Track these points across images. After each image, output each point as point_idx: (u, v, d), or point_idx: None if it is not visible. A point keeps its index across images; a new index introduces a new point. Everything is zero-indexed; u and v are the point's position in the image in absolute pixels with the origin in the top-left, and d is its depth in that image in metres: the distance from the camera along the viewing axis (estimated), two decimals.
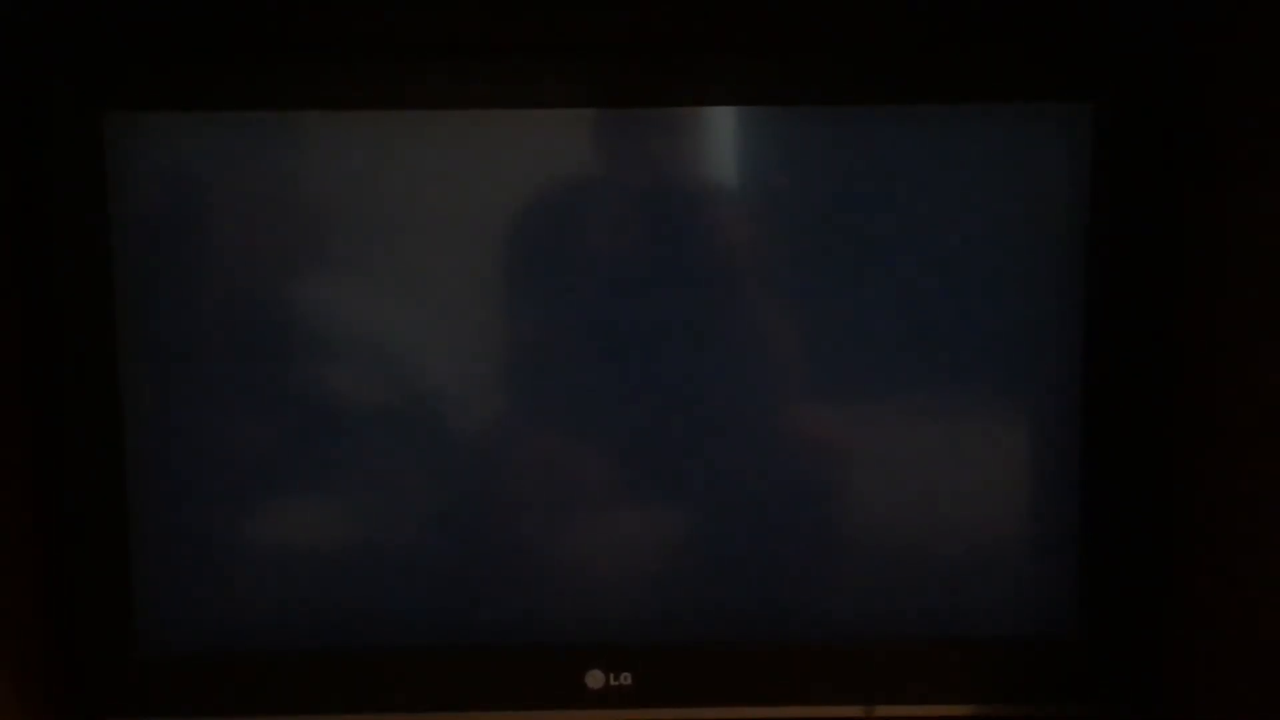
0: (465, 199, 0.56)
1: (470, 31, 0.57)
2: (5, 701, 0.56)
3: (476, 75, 0.55)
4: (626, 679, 0.58)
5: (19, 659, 0.57)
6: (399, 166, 0.56)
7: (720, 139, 0.57)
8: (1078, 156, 0.55)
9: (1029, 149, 0.56)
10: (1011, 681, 0.59)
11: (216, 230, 0.56)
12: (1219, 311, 0.53)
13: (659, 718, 0.59)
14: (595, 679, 0.58)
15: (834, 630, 0.59)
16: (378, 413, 0.58)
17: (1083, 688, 0.59)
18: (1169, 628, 0.58)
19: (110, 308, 0.56)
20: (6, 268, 0.56)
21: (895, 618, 0.59)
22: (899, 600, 0.59)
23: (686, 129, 0.56)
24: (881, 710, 0.59)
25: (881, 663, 0.59)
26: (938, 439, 0.58)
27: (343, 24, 0.56)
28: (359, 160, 0.56)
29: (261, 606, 0.58)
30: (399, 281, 0.57)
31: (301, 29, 0.57)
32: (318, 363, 0.57)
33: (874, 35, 0.57)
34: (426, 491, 0.58)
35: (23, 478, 0.58)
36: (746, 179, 0.57)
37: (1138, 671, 0.59)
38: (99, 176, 0.55)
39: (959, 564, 0.59)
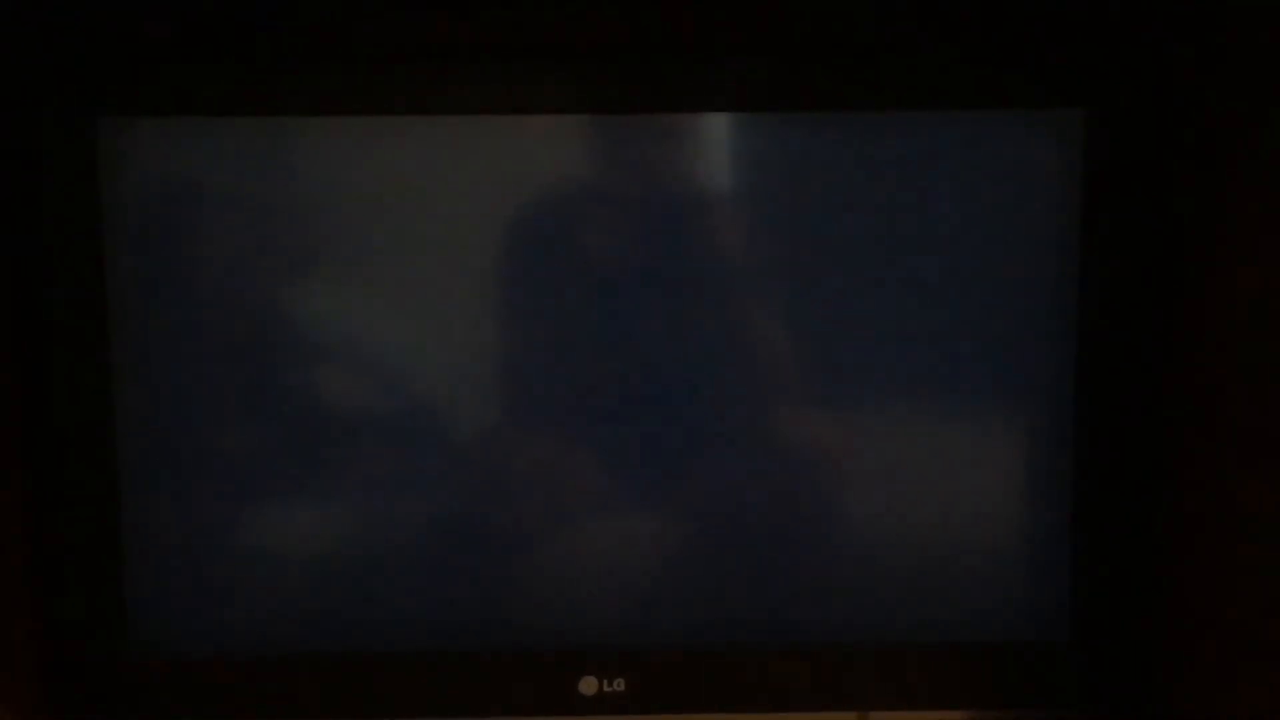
0: (461, 205, 0.56)
1: (466, 38, 0.57)
2: None
3: (472, 81, 0.55)
4: (620, 685, 0.58)
5: (11, 661, 0.57)
6: (394, 172, 0.56)
7: (715, 145, 0.57)
8: (1070, 162, 0.56)
9: (1021, 155, 0.56)
10: (1004, 686, 0.59)
11: (211, 235, 0.56)
12: (1211, 317, 0.54)
13: None
14: (589, 685, 0.58)
15: (827, 636, 0.59)
16: (372, 418, 0.58)
17: (1075, 692, 0.59)
18: (1160, 633, 0.58)
19: (104, 313, 0.56)
20: (2, 271, 0.56)
21: (888, 623, 0.59)
22: (892, 605, 0.59)
23: (682, 135, 0.56)
24: (875, 716, 0.59)
25: (874, 668, 0.59)
26: (931, 444, 0.58)
27: (338, 29, 0.57)
28: (354, 166, 0.56)
29: (254, 611, 0.58)
30: (394, 287, 0.57)
31: (296, 34, 0.57)
32: (312, 368, 0.57)
33: (867, 42, 0.57)
34: (420, 497, 0.58)
35: (16, 482, 0.57)
36: (741, 185, 0.57)
37: (1129, 676, 0.59)
38: (93, 181, 0.55)
39: (952, 569, 0.59)
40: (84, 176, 0.55)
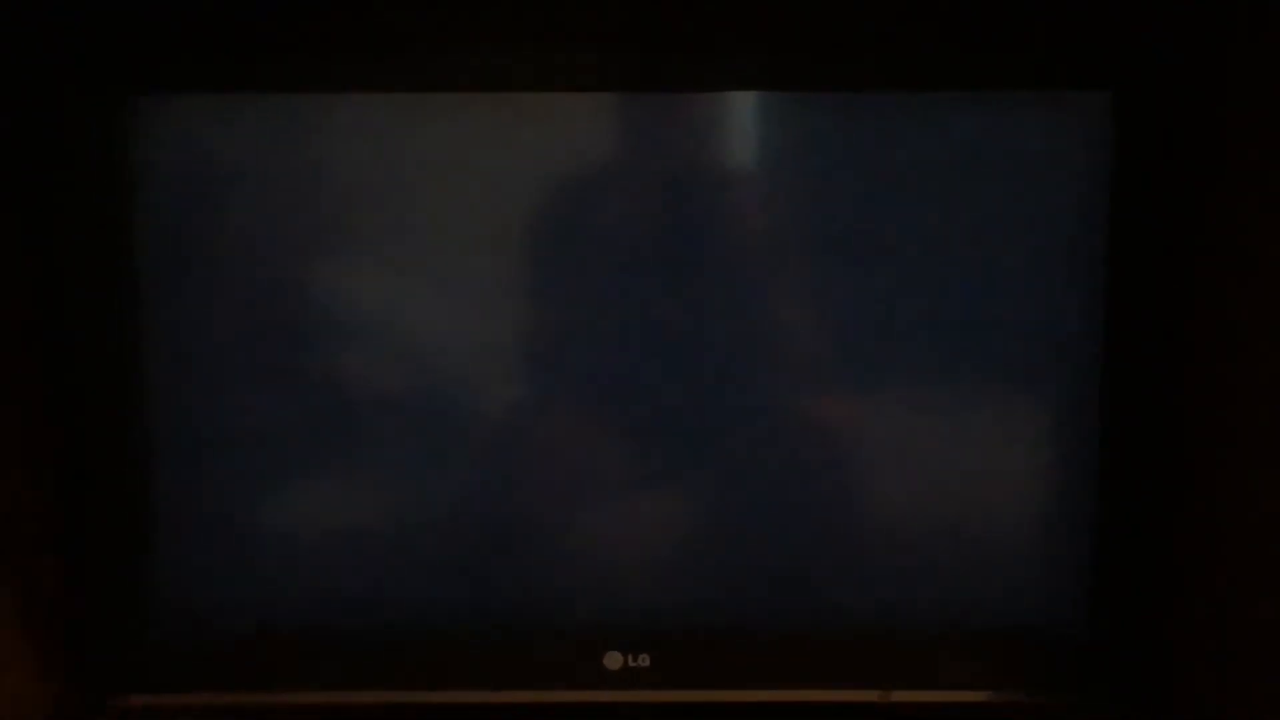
0: (488, 183, 0.56)
1: (492, 16, 0.57)
2: (26, 678, 0.57)
3: (499, 59, 0.55)
4: (644, 660, 0.59)
5: (40, 636, 0.57)
6: (422, 150, 0.56)
7: (740, 125, 0.57)
8: (1098, 145, 0.55)
9: (1049, 137, 0.56)
10: (1024, 671, 0.59)
11: (239, 214, 0.56)
12: (1238, 304, 0.53)
13: (676, 699, 0.59)
14: (614, 660, 0.59)
15: (850, 616, 0.59)
16: (398, 396, 0.58)
17: (1093, 678, 0.59)
18: (1178, 621, 0.58)
19: (133, 290, 0.56)
20: (30, 251, 0.57)
21: (909, 605, 0.59)
22: (913, 588, 0.59)
23: (707, 114, 0.56)
24: (896, 695, 0.59)
25: (896, 649, 0.59)
26: (954, 430, 0.58)
27: (366, 7, 0.57)
28: (382, 143, 0.56)
29: (283, 586, 0.59)
30: (421, 265, 0.57)
31: (325, 12, 0.57)
32: (338, 346, 0.58)
33: (894, 22, 0.57)
34: (447, 475, 0.58)
35: (45, 460, 0.58)
36: (765, 165, 0.58)
37: (1147, 663, 0.59)
38: (121, 160, 0.55)
39: (974, 554, 0.59)
40: (113, 155, 0.55)
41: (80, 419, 0.57)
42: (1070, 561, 0.59)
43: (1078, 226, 0.56)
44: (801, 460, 0.59)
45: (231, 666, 0.59)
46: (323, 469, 0.58)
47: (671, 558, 0.59)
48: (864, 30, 0.57)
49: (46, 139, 0.56)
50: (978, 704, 0.59)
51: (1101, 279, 0.56)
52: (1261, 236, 0.52)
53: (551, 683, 0.59)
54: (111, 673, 0.59)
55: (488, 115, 0.56)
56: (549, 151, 0.56)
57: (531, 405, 0.59)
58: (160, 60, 0.55)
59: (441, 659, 0.59)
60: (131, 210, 0.56)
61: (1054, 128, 0.56)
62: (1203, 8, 0.55)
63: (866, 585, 0.59)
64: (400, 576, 0.59)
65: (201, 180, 0.56)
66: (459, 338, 0.58)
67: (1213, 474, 0.55)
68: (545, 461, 0.59)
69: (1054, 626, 0.59)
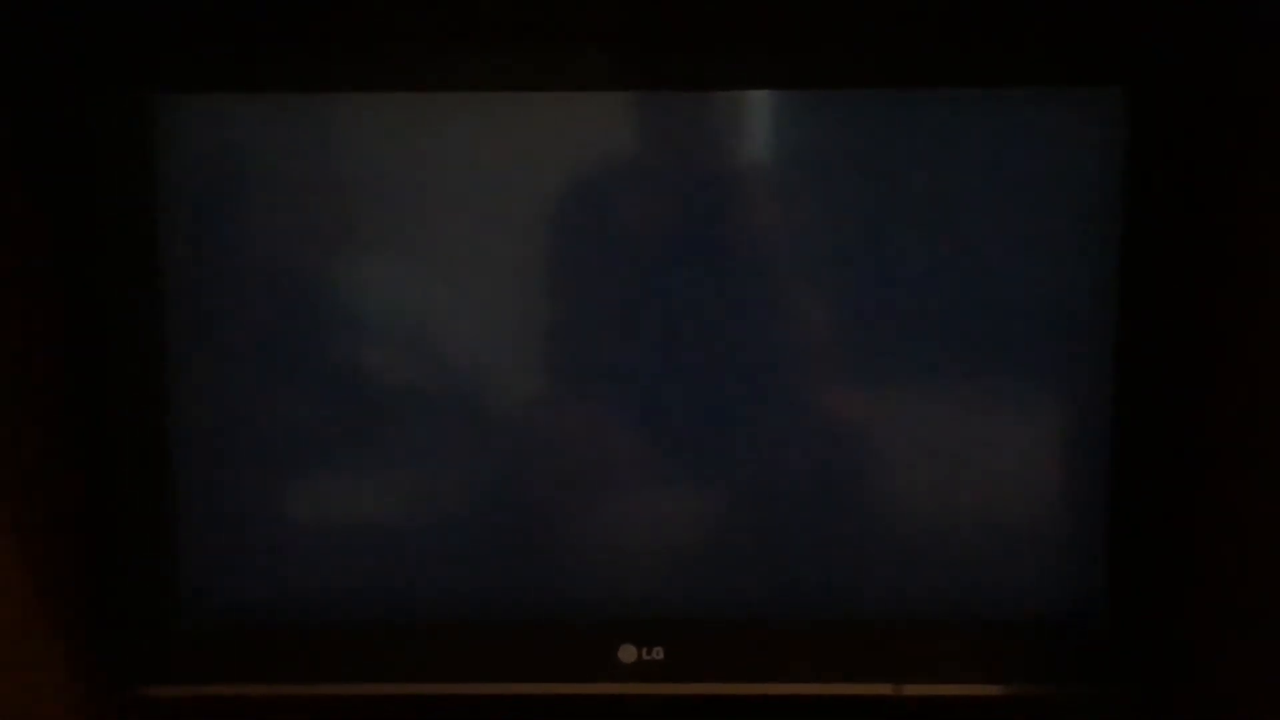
0: (506, 181, 0.57)
1: (510, 15, 0.57)
2: (51, 669, 0.58)
3: (516, 58, 0.55)
4: (658, 654, 0.59)
5: (65, 628, 0.58)
6: (443, 149, 0.56)
7: (753, 122, 0.57)
8: (1111, 141, 0.55)
9: (1062, 133, 0.56)
10: (1040, 662, 0.59)
11: (263, 211, 0.57)
12: (1251, 298, 0.53)
13: (689, 692, 0.60)
14: (628, 653, 0.59)
15: (863, 609, 0.59)
16: (417, 391, 0.59)
17: (1110, 669, 0.59)
18: (1196, 611, 0.58)
19: (158, 286, 0.57)
20: (56, 248, 0.57)
21: (924, 597, 0.59)
22: (927, 580, 0.59)
23: (720, 112, 0.57)
24: (910, 689, 0.60)
25: (910, 641, 0.59)
26: (968, 425, 0.58)
27: (389, 7, 0.57)
28: (405, 142, 0.56)
29: (302, 579, 0.59)
30: (441, 262, 0.58)
31: (349, 11, 0.57)
32: (360, 341, 0.58)
33: (906, 18, 0.57)
34: (465, 469, 0.59)
35: (72, 454, 0.59)
36: (778, 162, 0.58)
37: (1165, 654, 0.59)
38: (147, 158, 0.56)
39: (986, 548, 0.59)
40: (138, 153, 0.56)
41: (106, 414, 0.58)
42: (1085, 555, 0.58)
43: (1091, 222, 0.56)
44: (817, 454, 0.59)
45: (257, 658, 0.60)
46: (346, 463, 0.59)
47: (686, 551, 0.60)
48: (877, 27, 0.57)
49: (71, 138, 0.56)
50: (990, 697, 0.60)
51: (1115, 273, 0.56)
52: (1275, 232, 0.51)
53: (566, 675, 0.59)
54: (138, 664, 0.60)
55: (507, 114, 0.56)
56: (567, 150, 0.57)
57: (548, 400, 0.59)
58: (184, 60, 0.56)
59: (458, 651, 0.59)
60: (155, 207, 0.56)
61: (1067, 123, 0.55)
62: (1215, 2, 0.55)
63: (880, 578, 0.59)
64: (419, 569, 0.59)
65: (224, 179, 0.57)
66: (478, 335, 0.58)
67: (1226, 467, 0.55)
68: (560, 456, 0.59)
69: (1068, 620, 0.59)
